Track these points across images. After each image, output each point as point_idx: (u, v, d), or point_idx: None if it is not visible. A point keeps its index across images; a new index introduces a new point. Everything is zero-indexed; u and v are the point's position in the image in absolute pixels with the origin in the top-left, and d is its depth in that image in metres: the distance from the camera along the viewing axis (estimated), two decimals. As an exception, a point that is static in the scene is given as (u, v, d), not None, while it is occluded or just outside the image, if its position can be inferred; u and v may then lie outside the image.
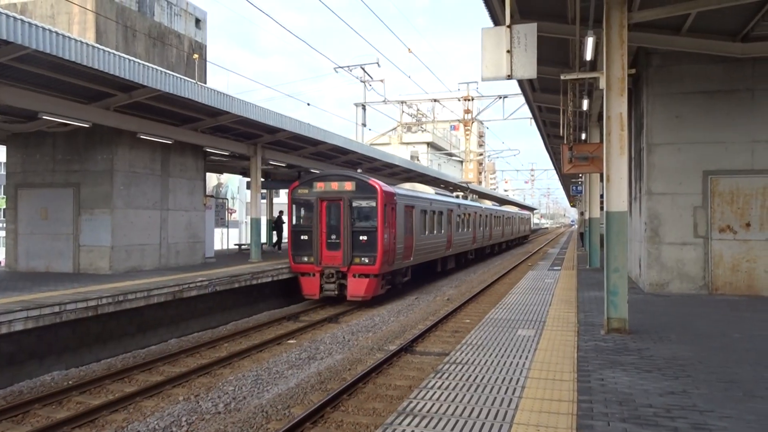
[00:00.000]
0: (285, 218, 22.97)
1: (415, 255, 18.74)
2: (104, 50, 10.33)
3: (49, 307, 9.45)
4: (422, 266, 20.62)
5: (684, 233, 11.76)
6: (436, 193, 23.43)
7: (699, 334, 7.84)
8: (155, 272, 14.75)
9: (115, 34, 15.81)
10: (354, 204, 15.74)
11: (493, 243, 36.46)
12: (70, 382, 8.87)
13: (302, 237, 16.11)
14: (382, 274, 15.91)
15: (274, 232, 26.04)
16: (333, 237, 15.85)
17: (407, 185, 21.64)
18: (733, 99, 11.64)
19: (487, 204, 36.85)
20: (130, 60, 10.93)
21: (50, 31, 9.14)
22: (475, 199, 37.58)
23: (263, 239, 25.10)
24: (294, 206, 16.51)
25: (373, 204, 15.62)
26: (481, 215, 31.09)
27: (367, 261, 15.46)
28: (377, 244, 15.45)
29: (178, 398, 8.11)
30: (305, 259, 15.98)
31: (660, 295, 11.62)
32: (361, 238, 15.62)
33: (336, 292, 15.67)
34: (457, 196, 31.08)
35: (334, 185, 16.00)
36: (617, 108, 7.90)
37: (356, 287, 15.49)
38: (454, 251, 24.80)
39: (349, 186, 15.87)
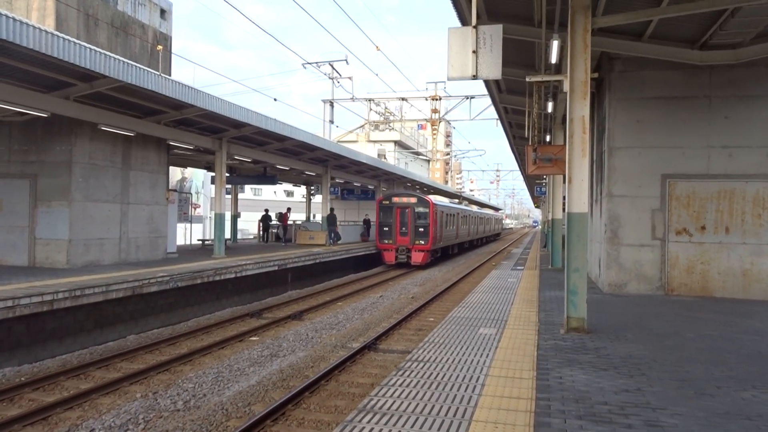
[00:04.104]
0: (271, 214, 29.92)
1: (443, 240, 29.77)
2: (64, 38, 10.03)
3: (2, 302, 9.16)
4: (444, 249, 31.53)
5: (642, 235, 12.05)
6: (450, 202, 37.08)
7: (654, 333, 8.05)
8: (114, 267, 14.43)
9: (77, 22, 15.36)
10: (416, 210, 26.75)
11: (480, 237, 49.08)
12: (23, 379, 8.61)
13: (385, 228, 26.94)
14: (431, 250, 27.05)
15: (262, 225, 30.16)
16: (403, 229, 26.65)
17: (431, 197, 30.62)
18: (691, 105, 11.97)
19: (475, 208, 50.80)
20: (91, 49, 10.65)
21: (7, 17, 8.84)
22: (467, 204, 51.02)
23: (227, 235, 24.82)
24: (380, 211, 27.22)
25: (427, 210, 26.70)
26: (473, 216, 42.84)
27: (423, 242, 26.54)
28: (429, 232, 26.48)
29: (135, 395, 7.95)
30: (386, 241, 26.87)
31: (618, 295, 11.88)
32: (420, 229, 26.56)
33: (405, 260, 26.55)
34: (455, 201, 44.22)
35: (405, 199, 27.04)
36: (580, 111, 8.04)
37: (417, 257, 26.58)
38: (459, 241, 36.22)
39: (413, 200, 27.01)
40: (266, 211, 29.81)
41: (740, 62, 10.94)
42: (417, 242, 26.46)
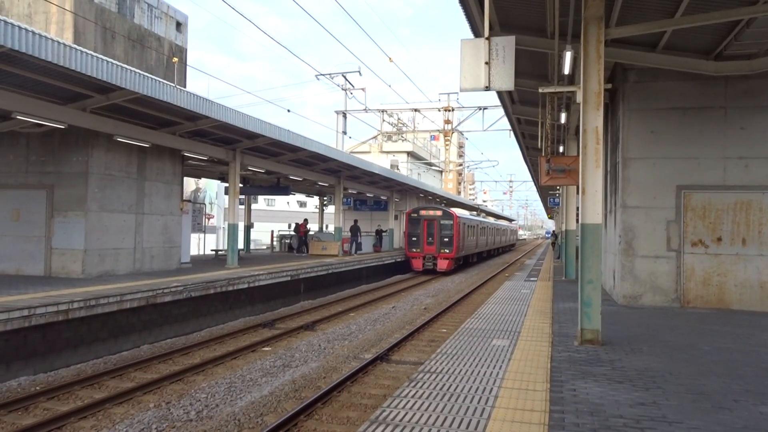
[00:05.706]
0: (310, 226, 31.37)
1: (465, 250, 32.66)
2: (82, 51, 10.19)
3: (18, 311, 9.25)
4: (465, 257, 34.40)
5: (657, 246, 11.94)
6: (470, 214, 41.22)
7: (670, 346, 7.95)
8: (129, 277, 14.54)
9: (94, 35, 15.61)
10: (441, 222, 29.51)
11: (497, 246, 52.26)
12: (38, 388, 8.69)
13: (413, 238, 29.72)
14: (455, 258, 29.90)
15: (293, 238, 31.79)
16: (430, 239, 29.46)
17: (455, 209, 34.00)
18: (706, 116, 11.88)
19: (491, 219, 54.18)
20: (108, 62, 10.81)
21: (27, 30, 9.00)
22: (485, 216, 54.49)
23: (240, 245, 24.96)
24: (409, 222, 30.04)
25: (451, 222, 29.46)
26: (490, 228, 45.81)
27: (447, 251, 29.31)
28: (453, 242, 29.25)
29: (148, 405, 7.99)
30: (414, 249, 29.70)
31: (633, 307, 11.76)
32: (444, 239, 29.37)
33: (432, 267, 29.22)
34: (473, 213, 48.55)
35: (431, 212, 29.99)
36: (593, 122, 8.01)
37: (442, 264, 29.32)
38: (478, 250, 38.99)
39: (439, 213, 29.99)
40: (305, 221, 30.90)
41: (755, 73, 10.86)
42: (442, 251, 29.31)
